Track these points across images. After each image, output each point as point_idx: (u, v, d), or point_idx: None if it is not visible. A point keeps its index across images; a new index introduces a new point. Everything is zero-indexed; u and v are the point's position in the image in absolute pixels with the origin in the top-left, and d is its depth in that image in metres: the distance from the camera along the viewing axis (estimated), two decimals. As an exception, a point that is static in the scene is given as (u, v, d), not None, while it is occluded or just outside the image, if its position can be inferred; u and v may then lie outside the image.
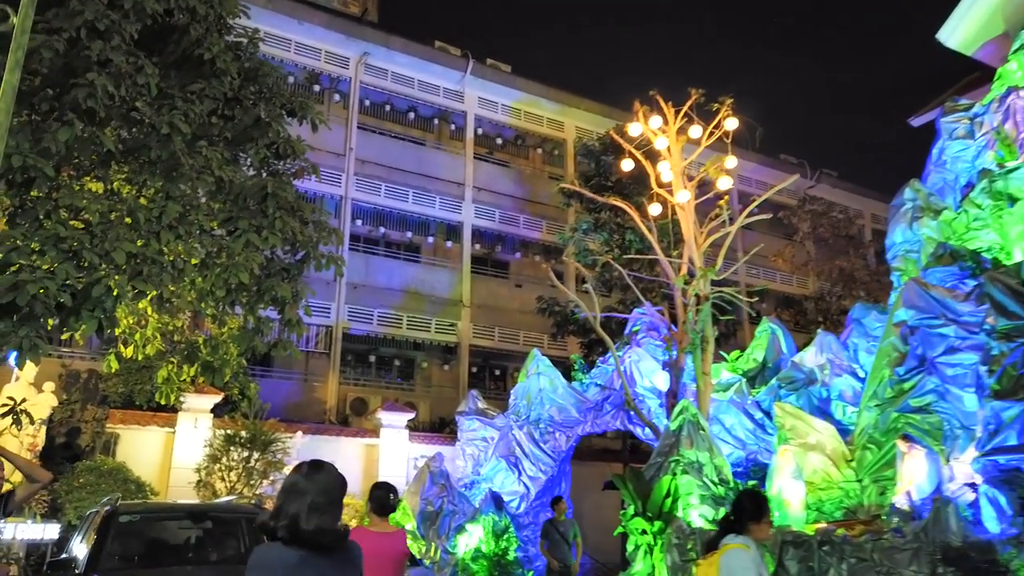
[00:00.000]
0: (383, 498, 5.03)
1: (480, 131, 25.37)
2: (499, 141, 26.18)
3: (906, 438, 9.65)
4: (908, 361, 11.07)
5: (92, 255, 7.33)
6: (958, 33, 16.95)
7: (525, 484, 15.40)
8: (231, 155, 9.56)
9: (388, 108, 24.22)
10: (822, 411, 13.03)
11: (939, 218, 14.18)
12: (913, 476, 9.39)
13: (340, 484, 2.83)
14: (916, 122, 20.02)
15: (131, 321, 10.63)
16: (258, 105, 9.72)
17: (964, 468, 9.48)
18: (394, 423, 16.82)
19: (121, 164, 9.11)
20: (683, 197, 12.82)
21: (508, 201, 25.20)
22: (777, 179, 24.59)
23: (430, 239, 24.00)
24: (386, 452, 16.59)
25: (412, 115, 24.53)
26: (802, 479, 10.96)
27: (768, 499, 4.41)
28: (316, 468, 2.83)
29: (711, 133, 13.52)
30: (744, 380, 14.30)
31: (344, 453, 16.19)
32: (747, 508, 4.33)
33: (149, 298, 8.85)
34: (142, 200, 8.65)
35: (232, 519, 7.39)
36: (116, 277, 7.49)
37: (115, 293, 7.46)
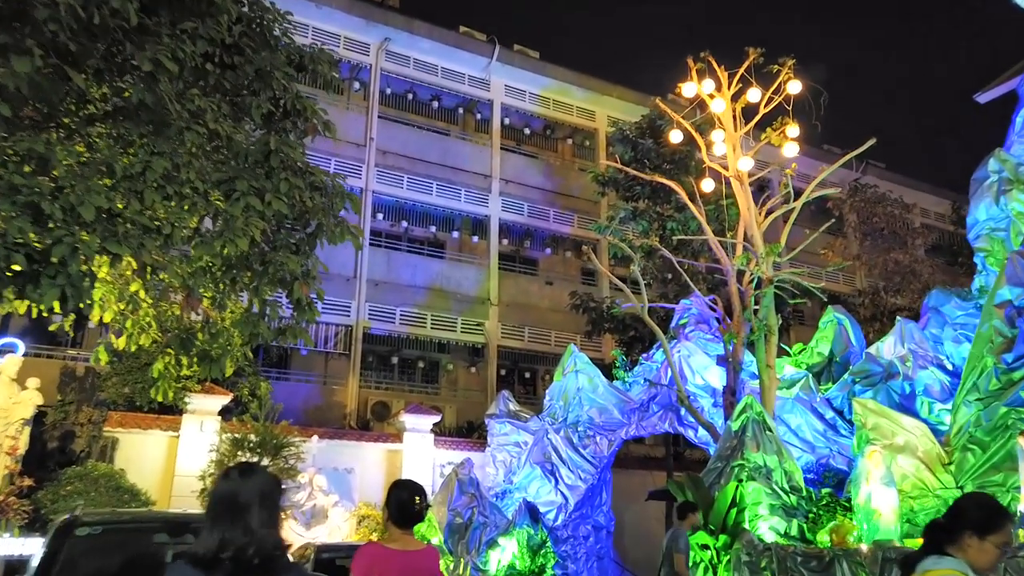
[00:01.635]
0: (405, 502, 3.60)
1: (507, 121, 24.05)
2: (527, 131, 24.84)
3: (1030, 434, 8.02)
4: (1017, 347, 9.46)
5: (54, 208, 6.03)
6: (1037, -8, 15.31)
7: (563, 493, 13.91)
8: (230, 109, 8.26)
9: (410, 97, 22.99)
10: (905, 408, 11.41)
11: (1032, 190, 12.57)
12: (1044, 480, 7.76)
13: (254, 488, 2.23)
14: (983, 99, 18.37)
15: (121, 306, 9.34)
16: (260, 53, 8.43)
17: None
18: (419, 427, 15.44)
19: (106, 121, 7.86)
20: (745, 164, 11.34)
21: (537, 194, 23.82)
22: (823, 171, 22.92)
23: (455, 234, 22.66)
24: (410, 458, 15.20)
25: (436, 104, 23.28)
26: (894, 485, 9.35)
27: (1002, 508, 2.90)
28: (228, 472, 2.34)
29: (770, 98, 12.04)
30: (811, 375, 12.71)
31: (365, 459, 14.83)
32: (971, 517, 2.85)
33: (130, 270, 7.58)
34: (124, 160, 7.36)
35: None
36: (84, 236, 6.19)
37: (81, 257, 6.15)
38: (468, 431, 18.67)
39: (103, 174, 6.61)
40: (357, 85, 22.06)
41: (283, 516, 11.34)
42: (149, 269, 7.96)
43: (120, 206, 6.78)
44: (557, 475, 14.07)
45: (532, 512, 13.52)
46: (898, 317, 12.69)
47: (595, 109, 24.93)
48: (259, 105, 8.32)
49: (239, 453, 12.06)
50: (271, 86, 8.52)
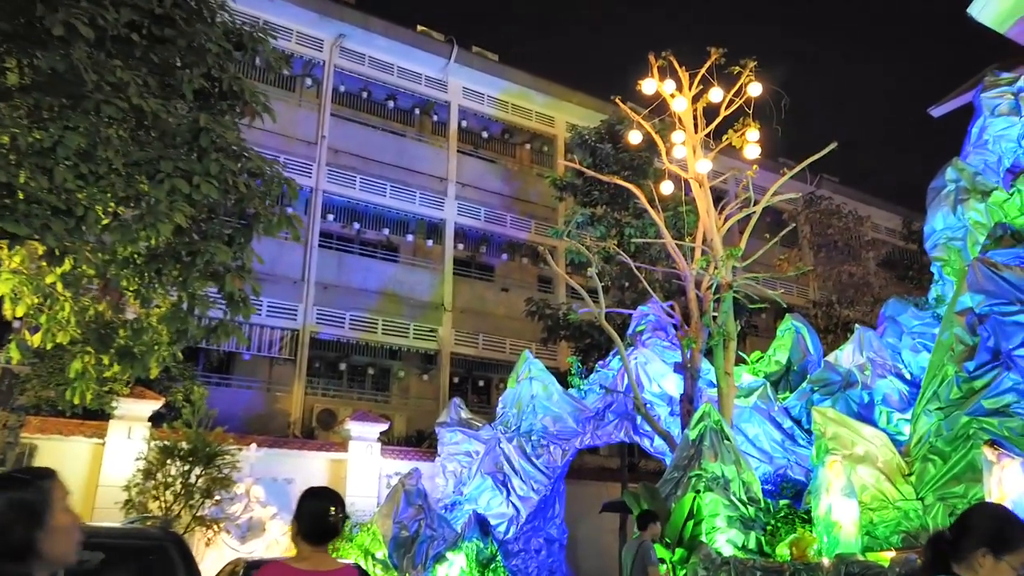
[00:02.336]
0: (319, 514, 3.02)
1: (464, 124, 23.57)
2: (484, 135, 24.38)
3: (995, 444, 7.78)
4: (979, 355, 9.26)
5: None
6: (992, 6, 15.46)
7: (514, 505, 13.37)
8: (158, 85, 7.59)
9: (365, 96, 22.36)
10: (864, 418, 11.17)
11: (988, 200, 12.54)
12: (1008, 491, 7.51)
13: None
14: (937, 112, 18.44)
15: (36, 300, 8.54)
16: (193, 26, 7.79)
17: (1065, 482, 7.64)
18: (365, 435, 14.75)
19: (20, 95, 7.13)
20: (704, 167, 11.03)
21: (494, 199, 23.36)
22: (784, 174, 23.01)
23: (409, 237, 22.05)
24: (355, 468, 14.49)
25: (391, 104, 22.68)
26: (855, 496, 9.05)
27: (1019, 520, 2.43)
28: None
29: (731, 100, 11.78)
30: (769, 384, 12.43)
31: (307, 469, 14.07)
32: (985, 531, 2.39)
33: (45, 261, 6.85)
34: (36, 134, 6.64)
35: (127, 548, 5.32)
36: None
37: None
38: (418, 440, 18.03)
39: (6, 148, 5.90)
40: (309, 82, 21.35)
41: (217, 529, 10.48)
42: (69, 261, 7.25)
43: (23, 181, 6.08)
44: (509, 486, 13.53)
45: (482, 524, 12.96)
46: (856, 326, 12.51)
47: (554, 115, 24.61)
48: (190, 80, 7.66)
49: (168, 462, 11.23)
50: (205, 61, 7.88)
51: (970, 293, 9.58)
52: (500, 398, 14.62)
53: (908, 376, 11.57)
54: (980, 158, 13.47)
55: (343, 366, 20.26)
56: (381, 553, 12.69)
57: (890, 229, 30.25)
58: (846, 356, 11.99)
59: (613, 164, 18.44)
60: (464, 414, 14.93)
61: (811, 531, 9.00)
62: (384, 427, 15.22)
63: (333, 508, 2.99)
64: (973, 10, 15.58)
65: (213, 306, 8.62)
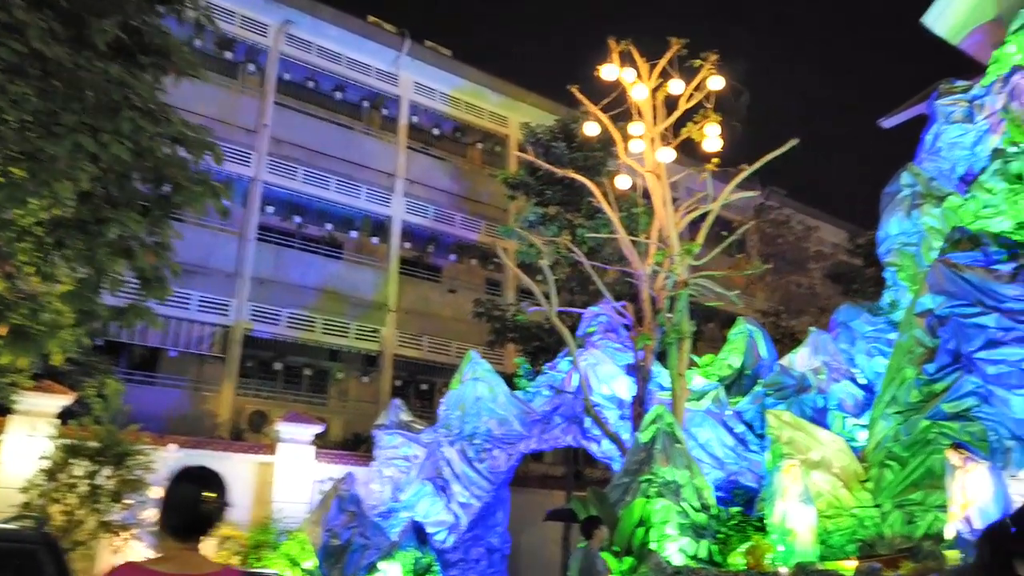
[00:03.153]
0: (187, 502, 2.32)
1: (415, 119, 22.87)
2: (436, 132, 23.70)
3: (959, 447, 7.44)
4: (939, 357, 8.98)
5: None
6: (946, 17, 15.54)
7: (455, 512, 12.66)
8: (64, 31, 6.73)
9: (312, 85, 21.47)
10: (817, 423, 10.82)
11: (943, 205, 12.43)
12: (974, 496, 7.16)
13: None
14: (888, 123, 18.56)
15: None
16: (108, -33, 6.96)
17: (1027, 487, 7.35)
18: (297, 437, 13.84)
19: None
20: (665, 156, 10.60)
21: (444, 198, 22.68)
22: (743, 171, 22.92)
23: (353, 234, 21.19)
24: (284, 471, 13.57)
25: (339, 95, 21.83)
26: (812, 503, 8.64)
27: None
28: None
29: (691, 94, 11.41)
30: (721, 387, 12.03)
31: (231, 473, 12.97)
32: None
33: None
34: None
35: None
36: None
37: None
38: (355, 444, 17.15)
39: None
40: (252, 67, 20.39)
41: (127, 536, 9.45)
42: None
43: None
44: (449, 492, 12.82)
45: (419, 533, 12.21)
46: (811, 328, 12.23)
47: (508, 115, 24.10)
48: (103, 29, 6.82)
49: (72, 461, 10.19)
50: (122, 10, 7.05)
51: (930, 294, 9.32)
52: (443, 400, 13.91)
53: (863, 381, 11.31)
54: (934, 165, 13.41)
55: (278, 366, 19.25)
56: (309, 563, 11.83)
57: (835, 243, 30.58)
58: (800, 359, 11.68)
59: (567, 163, 17.96)
60: (404, 416, 14.19)
61: (767, 539, 8.54)
62: (318, 429, 14.33)
63: (206, 493, 2.30)
64: (928, 20, 15.66)
65: (124, 286, 7.74)
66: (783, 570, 7.65)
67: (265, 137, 19.65)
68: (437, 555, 12.21)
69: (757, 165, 10.69)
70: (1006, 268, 8.82)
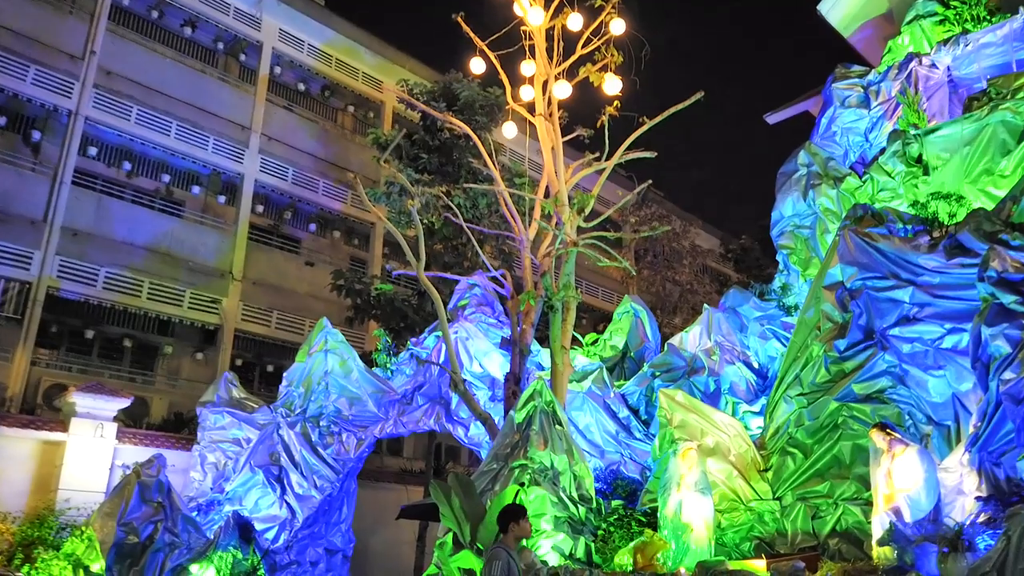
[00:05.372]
0: None
1: (278, 71, 20.46)
2: (302, 88, 21.35)
3: (885, 428, 6.43)
4: (851, 333, 8.05)
5: None
6: (840, 8, 15.28)
7: (290, 506, 10.68)
8: None
9: (156, 16, 18.61)
10: (708, 409, 9.79)
11: (841, 187, 11.82)
12: (901, 484, 6.14)
13: None
14: (773, 119, 18.32)
15: None
16: None
17: (950, 476, 6.44)
18: (96, 411, 11.32)
19: None
20: (562, 91, 9.24)
21: (307, 161, 20.40)
22: (609, 190, 22.24)
23: (196, 190, 18.51)
24: (76, 453, 11.03)
25: (189, 31, 19.06)
26: (710, 493, 7.45)
27: None
28: None
29: (589, 39, 10.10)
30: (605, 368, 10.78)
31: (5, 454, 10.44)
32: None
33: None
34: None
35: None
36: None
37: None
38: (176, 425, 14.64)
39: None
40: (84, -15, 17.36)
41: None
42: None
43: None
44: (286, 482, 10.81)
45: (244, 529, 10.15)
46: (705, 305, 11.25)
47: (384, 79, 22.11)
48: None
49: None
50: None
51: (841, 265, 8.43)
52: (285, 374, 11.88)
53: (756, 365, 10.39)
54: (828, 150, 12.88)
55: (91, 334, 16.30)
56: (98, 566, 9.46)
57: (708, 250, 30.76)
58: (692, 339, 10.64)
59: (446, 127, 16.37)
60: (237, 393, 12.01)
61: (659, 535, 7.25)
62: (124, 403, 11.83)
63: None
64: (823, 8, 15.35)
65: None
66: (682, 571, 6.34)
67: (92, 66, 16.69)
68: (264, 556, 10.18)
69: (660, 118, 9.53)
70: (924, 239, 8.02)
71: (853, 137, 12.87)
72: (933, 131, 10.73)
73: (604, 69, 9.38)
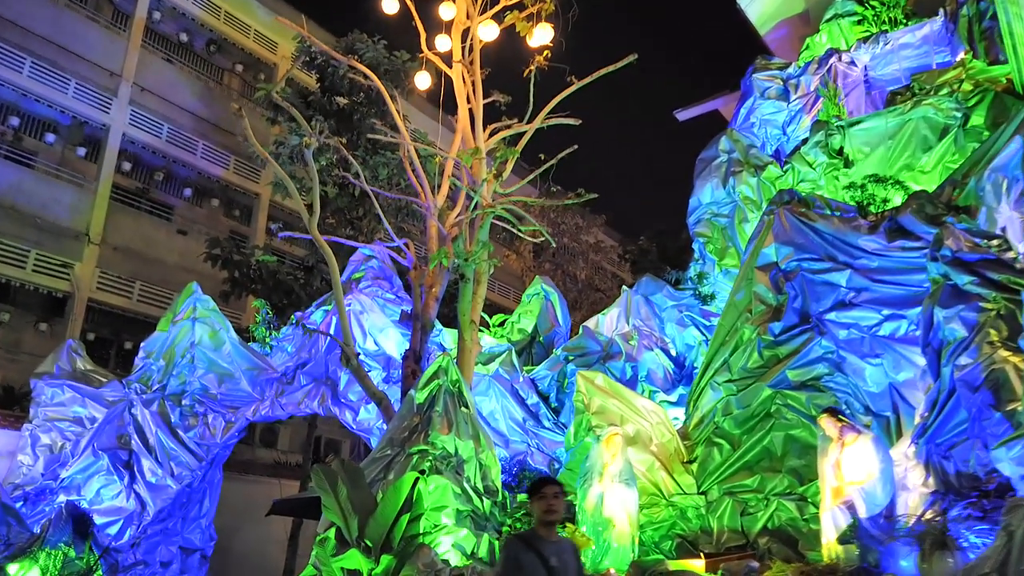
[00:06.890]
0: None
1: (158, 16, 18.39)
2: (184, 39, 19.31)
3: (835, 414, 5.82)
4: (786, 317, 7.49)
5: None
6: (758, 4, 15.14)
7: (139, 496, 9.12)
8: None
9: (13, -64, 16.22)
10: (623, 397, 9.06)
11: (762, 175, 11.47)
12: (852, 475, 5.53)
13: None
14: (682, 116, 18.12)
15: None
16: None
17: (894, 470, 5.92)
18: None
19: None
20: (488, 33, 8.25)
21: (186, 119, 18.42)
22: (513, 183, 21.45)
23: (51, 138, 16.23)
24: None
25: (53, -41, 16.75)
26: (635, 484, 6.66)
27: None
28: None
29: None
30: (513, 350, 9.86)
31: None
32: None
33: None
34: None
35: None
36: None
37: None
38: (7, 401, 12.55)
39: None
40: None
41: None
42: None
43: None
44: (136, 468, 9.24)
45: (80, 523, 8.53)
46: (624, 287, 10.55)
47: (279, 41, 20.41)
48: None
49: None
50: None
51: (776, 245, 7.89)
52: (143, 344, 10.26)
53: (674, 352, 9.77)
54: (747, 141, 12.56)
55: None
56: None
57: (609, 245, 30.58)
58: (608, 322, 9.92)
59: (347, 87, 15.05)
60: (82, 364, 10.28)
61: (579, 531, 6.38)
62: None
63: None
64: (743, 1, 15.19)
65: None
66: (612, 572, 5.48)
67: (-73, -20, 14.26)
68: (103, 554, 8.58)
69: (595, 76, 8.71)
70: (864, 221, 7.59)
71: (771, 129, 12.62)
72: (856, 123, 10.56)
73: (533, 18, 8.53)
